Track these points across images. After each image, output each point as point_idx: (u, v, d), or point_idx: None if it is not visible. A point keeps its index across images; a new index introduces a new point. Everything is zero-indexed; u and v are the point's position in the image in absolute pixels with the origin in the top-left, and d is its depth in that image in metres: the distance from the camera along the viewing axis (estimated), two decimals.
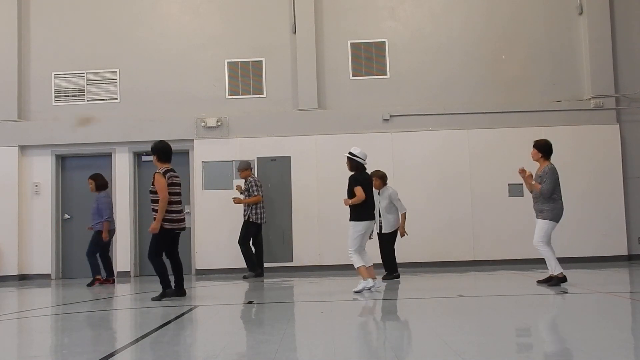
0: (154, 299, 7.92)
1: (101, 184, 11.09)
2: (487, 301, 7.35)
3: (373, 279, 8.19)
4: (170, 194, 7.92)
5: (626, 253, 12.22)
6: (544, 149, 8.42)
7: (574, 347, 4.71)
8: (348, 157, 8.39)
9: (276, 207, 12.32)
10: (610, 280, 9.22)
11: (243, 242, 11.14)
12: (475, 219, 12.28)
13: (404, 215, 9.87)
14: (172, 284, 8.14)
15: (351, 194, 8.28)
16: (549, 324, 5.77)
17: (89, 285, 10.72)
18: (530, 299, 7.40)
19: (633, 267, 11.16)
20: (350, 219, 8.28)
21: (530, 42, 12.83)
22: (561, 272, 8.15)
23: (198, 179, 12.50)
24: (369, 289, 8.09)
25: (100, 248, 10.93)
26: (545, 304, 7.07)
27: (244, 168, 11.42)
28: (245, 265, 11.32)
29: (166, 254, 8.13)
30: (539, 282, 8.47)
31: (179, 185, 8.15)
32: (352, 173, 8.38)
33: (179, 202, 8.16)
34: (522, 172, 8.30)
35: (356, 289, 8.10)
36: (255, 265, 11.22)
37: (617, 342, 4.63)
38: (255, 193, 11.11)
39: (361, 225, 8.22)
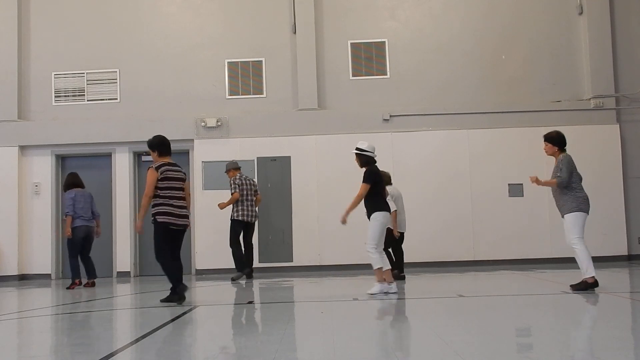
0: (162, 300, 7.53)
1: (67, 183, 10.70)
2: (487, 301, 7.35)
3: (389, 282, 7.86)
4: (166, 188, 7.44)
5: (626, 253, 12.23)
6: (557, 141, 7.80)
7: (574, 347, 4.71)
8: (357, 153, 8.00)
9: (276, 207, 12.33)
10: (610, 280, 9.21)
11: (231, 242, 10.80)
12: (475, 219, 12.28)
13: (394, 213, 9.54)
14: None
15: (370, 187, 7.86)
16: (549, 324, 5.77)
17: (68, 287, 10.31)
18: (530, 299, 7.40)
19: (633, 267, 11.15)
20: (371, 212, 7.82)
21: (530, 42, 12.84)
22: (593, 277, 7.41)
23: (198, 179, 12.50)
24: (385, 292, 7.75)
25: (76, 248, 10.52)
26: (545, 304, 7.06)
27: (230, 168, 11.01)
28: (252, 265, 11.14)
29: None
30: (573, 287, 7.58)
31: (177, 179, 7.56)
32: (366, 168, 7.94)
33: (178, 198, 7.53)
34: (535, 181, 7.70)
35: (371, 292, 7.80)
36: (243, 266, 10.82)
37: (617, 342, 4.63)
38: (232, 191, 10.77)
39: (382, 215, 7.80)
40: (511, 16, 12.92)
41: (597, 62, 12.61)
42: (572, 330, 5.50)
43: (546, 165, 12.35)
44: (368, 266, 11.43)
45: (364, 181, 7.83)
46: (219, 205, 10.87)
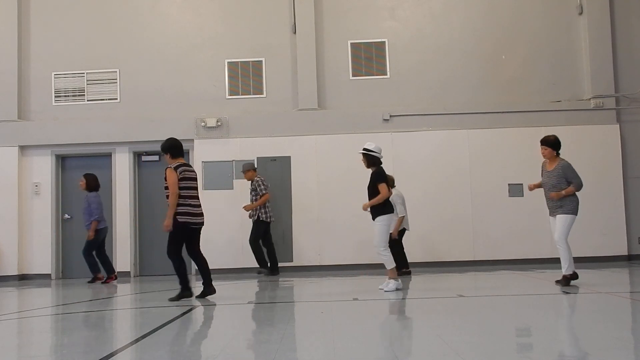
0: (171, 299, 7.71)
1: (94, 185, 11.25)
2: (487, 301, 7.35)
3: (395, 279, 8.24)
4: (184, 188, 7.74)
5: (626, 253, 12.22)
6: (556, 145, 8.20)
7: (574, 347, 4.71)
8: (364, 154, 8.18)
9: (276, 207, 12.30)
10: (610, 280, 9.21)
11: (253, 241, 11.16)
12: (475, 219, 12.28)
13: (400, 219, 10.13)
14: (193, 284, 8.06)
15: (374, 189, 8.06)
16: (548, 324, 5.77)
17: (90, 282, 11.02)
18: (530, 299, 7.40)
19: (633, 267, 11.15)
20: (378, 215, 8.06)
21: (530, 42, 12.83)
22: (573, 271, 8.00)
23: (198, 179, 12.45)
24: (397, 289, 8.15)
25: (95, 246, 11.11)
26: (545, 304, 7.06)
27: (248, 169, 11.39)
28: (256, 264, 11.34)
29: (187, 251, 7.90)
30: (558, 282, 8.18)
31: (194, 179, 7.95)
32: (373, 169, 8.18)
33: (195, 197, 7.92)
34: (556, 196, 7.97)
35: (387, 289, 8.08)
36: (265, 263, 11.23)
37: (617, 342, 4.63)
38: (264, 191, 11.14)
39: (389, 218, 8.14)
40: (511, 16, 12.91)
41: (597, 62, 12.60)
42: (572, 330, 5.50)
43: None
44: (368, 266, 11.50)
45: (380, 181, 8.04)
46: (245, 207, 11.29)
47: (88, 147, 12.82)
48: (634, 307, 6.53)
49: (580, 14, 12.80)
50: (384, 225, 8.07)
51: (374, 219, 8.14)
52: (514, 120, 12.47)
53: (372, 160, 8.16)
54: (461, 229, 12.27)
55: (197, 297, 7.89)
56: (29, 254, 12.63)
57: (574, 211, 8.00)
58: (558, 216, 8.01)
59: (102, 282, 11.05)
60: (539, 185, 8.39)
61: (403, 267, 10.19)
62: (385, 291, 8.04)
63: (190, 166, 8.17)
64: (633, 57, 12.79)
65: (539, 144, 8.37)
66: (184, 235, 7.80)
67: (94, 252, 11.18)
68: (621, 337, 4.87)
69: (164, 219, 7.73)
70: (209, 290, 7.90)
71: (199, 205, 8.00)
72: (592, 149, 12.32)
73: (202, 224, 8.01)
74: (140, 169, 12.95)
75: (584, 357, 4.25)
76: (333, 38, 12.89)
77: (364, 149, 8.18)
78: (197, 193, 8.02)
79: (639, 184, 12.52)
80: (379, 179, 8.07)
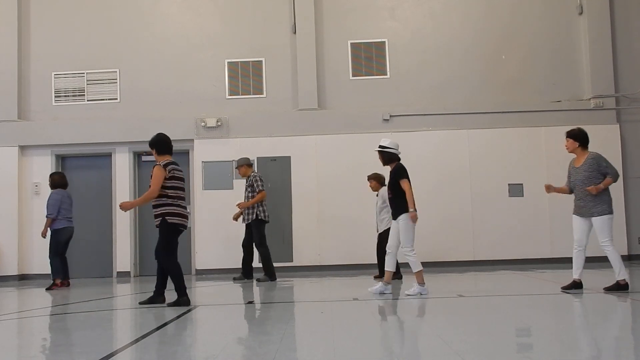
0: (169, 305, 7.35)
1: (58, 183, 10.71)
2: (487, 301, 7.35)
3: (387, 283, 7.80)
4: (173, 188, 7.31)
5: (626, 253, 12.21)
6: (580, 137, 7.66)
7: (574, 347, 4.71)
8: (379, 151, 7.79)
9: (276, 207, 12.32)
10: (611, 280, 9.19)
11: (260, 245, 10.42)
12: (475, 219, 12.28)
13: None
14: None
15: (397, 185, 7.63)
16: (548, 324, 5.77)
17: (48, 289, 10.33)
18: (530, 299, 7.40)
19: (633, 267, 11.15)
20: (400, 212, 7.56)
21: (530, 42, 12.84)
22: (624, 279, 7.27)
23: (198, 179, 12.50)
24: (420, 293, 7.56)
25: (59, 247, 10.57)
26: (545, 304, 7.06)
27: (242, 164, 10.74)
28: (257, 265, 10.83)
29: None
30: (606, 289, 7.39)
31: (182, 179, 7.47)
32: (392, 166, 7.76)
33: (183, 198, 7.46)
34: (595, 190, 7.31)
35: (409, 292, 7.60)
36: (273, 271, 10.50)
37: (617, 342, 4.63)
38: (260, 188, 10.46)
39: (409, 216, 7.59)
40: (511, 16, 12.92)
41: (597, 62, 12.61)
42: (571, 330, 5.50)
43: (546, 166, 12.38)
44: (368, 266, 11.49)
45: (402, 177, 7.60)
46: (239, 204, 10.60)
47: (88, 147, 12.83)
48: (634, 307, 6.53)
49: (580, 14, 12.80)
50: (408, 222, 7.53)
51: (395, 217, 7.67)
52: (514, 120, 12.47)
53: (388, 157, 7.75)
54: (461, 229, 12.27)
55: (141, 302, 7.50)
56: (29, 254, 12.63)
57: (611, 210, 7.36)
58: (596, 219, 7.35)
59: (49, 287, 10.44)
60: (559, 190, 7.76)
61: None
62: (407, 294, 7.57)
63: (179, 165, 7.63)
64: (633, 57, 12.79)
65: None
66: (175, 237, 7.39)
67: (57, 255, 10.62)
68: (621, 337, 4.87)
69: (152, 216, 7.37)
70: (159, 298, 7.46)
71: (186, 207, 7.58)
72: (592, 149, 12.21)
73: (186, 227, 7.53)
74: (140, 169, 12.95)
75: (584, 357, 4.25)
76: (333, 38, 12.90)
77: (380, 146, 7.80)
78: (184, 195, 7.55)
79: (639, 184, 12.52)
80: (400, 175, 7.63)
